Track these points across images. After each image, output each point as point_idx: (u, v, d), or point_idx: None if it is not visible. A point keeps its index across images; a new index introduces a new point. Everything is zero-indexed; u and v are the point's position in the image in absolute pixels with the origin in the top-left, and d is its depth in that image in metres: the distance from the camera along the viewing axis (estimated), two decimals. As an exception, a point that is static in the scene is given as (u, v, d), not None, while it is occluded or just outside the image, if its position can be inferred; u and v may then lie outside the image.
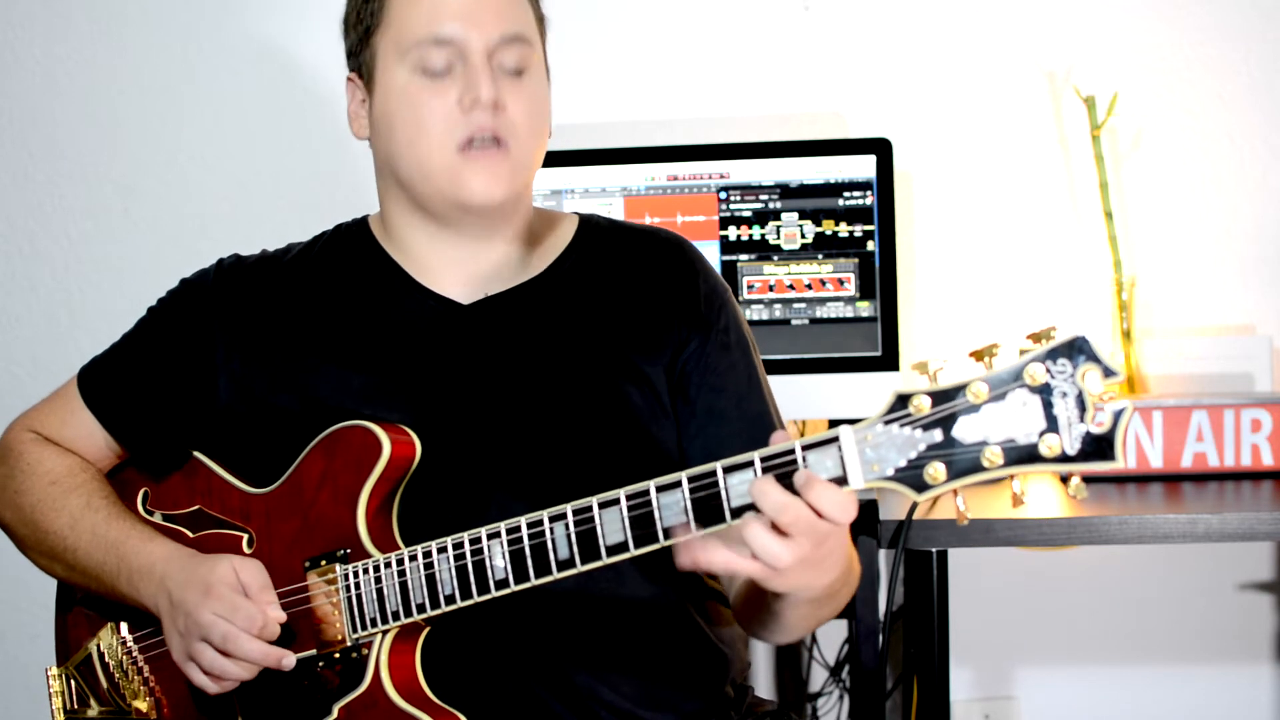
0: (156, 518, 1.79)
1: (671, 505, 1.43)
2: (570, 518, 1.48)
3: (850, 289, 2.57)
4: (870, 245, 2.57)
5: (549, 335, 1.73)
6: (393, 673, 1.63)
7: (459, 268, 1.74)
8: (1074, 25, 2.76)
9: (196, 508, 1.76)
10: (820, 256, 2.58)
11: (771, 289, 2.58)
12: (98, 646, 1.81)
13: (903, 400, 1.31)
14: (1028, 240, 2.77)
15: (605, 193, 2.61)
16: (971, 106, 2.79)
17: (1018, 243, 2.78)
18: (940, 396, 1.30)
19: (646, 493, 1.44)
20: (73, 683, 1.84)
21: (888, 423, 1.32)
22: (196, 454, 1.79)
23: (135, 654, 1.78)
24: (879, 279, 2.56)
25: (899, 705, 2.75)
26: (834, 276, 2.57)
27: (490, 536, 1.54)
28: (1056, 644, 2.86)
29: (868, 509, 2.23)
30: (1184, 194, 2.76)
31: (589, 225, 1.83)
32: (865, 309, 2.57)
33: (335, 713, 1.64)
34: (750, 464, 1.38)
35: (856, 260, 2.57)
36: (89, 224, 2.95)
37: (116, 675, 1.79)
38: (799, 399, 2.51)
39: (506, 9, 1.67)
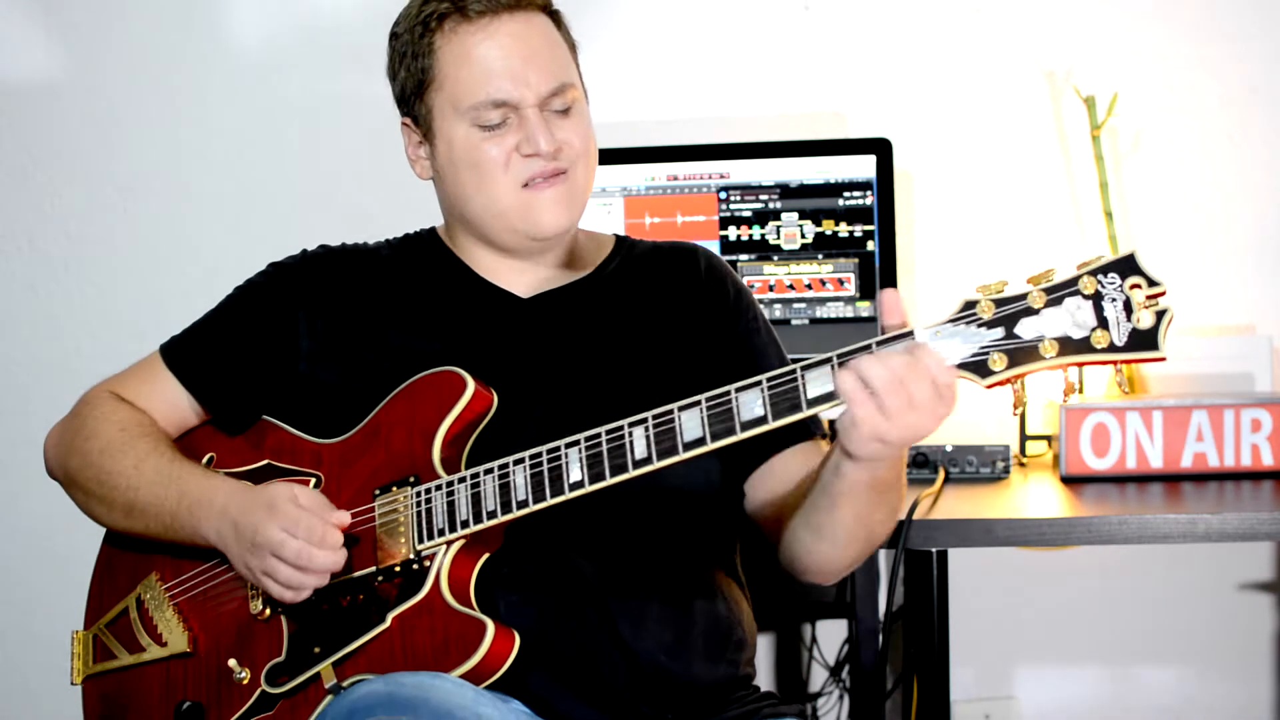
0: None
1: (750, 403, 1.55)
2: (650, 421, 1.59)
3: (850, 289, 2.57)
4: (870, 245, 2.57)
5: (599, 323, 1.87)
6: (451, 582, 1.68)
7: (519, 273, 1.88)
8: (1074, 25, 2.76)
9: (265, 462, 1.86)
10: (820, 256, 2.58)
11: (771, 289, 2.58)
12: (137, 598, 1.87)
13: (970, 305, 1.49)
14: (1027, 240, 2.77)
15: (605, 193, 2.61)
16: (971, 106, 2.79)
17: (1017, 243, 2.77)
18: (1003, 302, 1.48)
19: (727, 394, 1.56)
20: (99, 641, 1.90)
21: (955, 322, 1.49)
22: (266, 417, 1.89)
23: (176, 597, 1.85)
24: (879, 279, 2.56)
25: (899, 705, 2.74)
26: (834, 276, 2.57)
27: (569, 445, 1.63)
28: (1056, 644, 2.86)
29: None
30: (1184, 194, 2.76)
31: (625, 240, 1.98)
32: (865, 309, 2.57)
33: (389, 621, 1.69)
34: (828, 360, 1.52)
35: (856, 260, 2.57)
36: (89, 224, 2.95)
37: (155, 619, 1.85)
38: (799, 399, 2.51)
39: (549, 62, 1.79)
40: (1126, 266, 1.45)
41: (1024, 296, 1.47)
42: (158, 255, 2.93)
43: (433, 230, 1.96)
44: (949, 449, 2.47)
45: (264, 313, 1.89)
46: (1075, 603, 2.84)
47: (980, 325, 1.48)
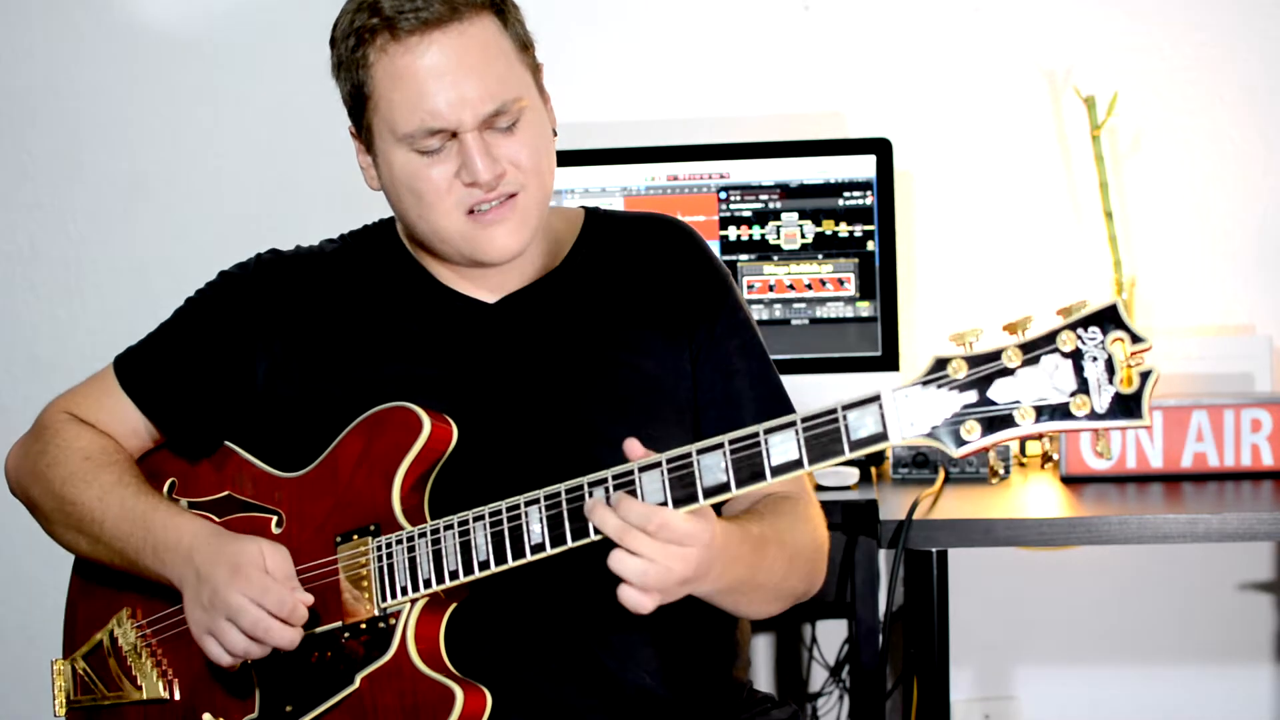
0: (182, 504, 1.80)
1: (712, 466, 1.48)
2: (610, 482, 1.52)
3: (850, 289, 2.57)
4: (870, 245, 2.57)
5: (571, 324, 1.78)
6: (418, 643, 1.64)
7: (483, 276, 1.79)
8: (1074, 25, 2.76)
9: (226, 493, 1.79)
10: (820, 256, 2.58)
11: (771, 289, 2.58)
12: (110, 633, 1.83)
13: (941, 364, 1.39)
14: (1028, 240, 2.77)
15: (605, 193, 2.61)
16: (971, 106, 2.79)
17: (1018, 243, 2.78)
18: (977, 360, 1.38)
19: (688, 455, 1.49)
20: (78, 673, 1.86)
21: (926, 384, 1.40)
22: (227, 443, 1.82)
23: (149, 637, 1.80)
24: (879, 279, 2.56)
25: (899, 705, 2.75)
26: (834, 276, 2.57)
27: (528, 503, 1.57)
28: (1056, 644, 2.86)
29: (868, 509, 2.23)
30: (1184, 194, 2.76)
31: (595, 216, 1.87)
32: (865, 309, 2.57)
33: (358, 682, 1.65)
34: (792, 424, 1.45)
35: (856, 260, 2.57)
36: (89, 224, 2.95)
37: (129, 659, 1.80)
38: (799, 399, 2.49)
39: (488, 79, 1.65)
40: (1109, 319, 1.34)
41: (999, 355, 1.37)
42: (158, 255, 2.93)
43: (390, 225, 1.86)
44: (949, 449, 2.47)
45: (218, 329, 1.81)
46: (1075, 603, 2.84)
47: (952, 388, 1.38)
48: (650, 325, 1.79)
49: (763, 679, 2.92)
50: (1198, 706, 2.84)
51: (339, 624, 1.68)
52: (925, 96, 2.79)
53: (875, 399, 1.41)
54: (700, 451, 1.48)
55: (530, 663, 1.70)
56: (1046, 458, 2.45)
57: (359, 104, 1.71)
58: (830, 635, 2.86)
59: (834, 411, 1.43)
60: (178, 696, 1.78)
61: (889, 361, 2.54)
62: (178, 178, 2.93)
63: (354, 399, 1.72)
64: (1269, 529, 2.15)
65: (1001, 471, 1.48)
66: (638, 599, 1.49)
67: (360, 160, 1.78)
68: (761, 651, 2.92)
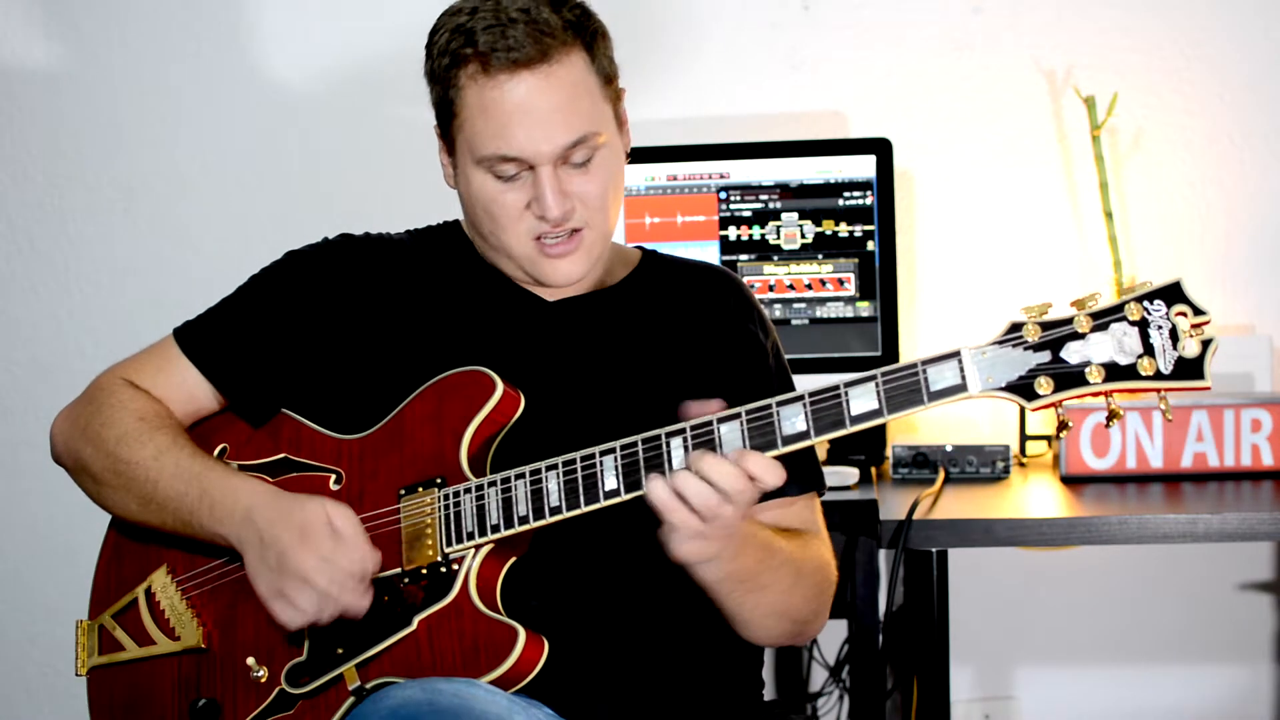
0: (233, 466, 1.82)
1: (792, 416, 1.55)
2: (689, 432, 1.58)
3: (850, 289, 2.57)
4: (870, 245, 2.57)
5: (622, 336, 1.84)
6: (479, 586, 1.66)
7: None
8: (1074, 25, 2.76)
9: (282, 455, 1.81)
10: (820, 256, 2.58)
11: (771, 289, 2.58)
12: (148, 589, 1.84)
13: (1016, 326, 1.50)
14: (1027, 240, 2.77)
15: (605, 193, 2.61)
16: (971, 106, 2.78)
17: (1017, 243, 2.78)
18: (1049, 325, 1.50)
19: (768, 407, 1.56)
20: (104, 632, 1.86)
21: (1002, 344, 1.50)
22: (284, 410, 1.85)
23: (188, 590, 1.82)
24: (879, 279, 2.56)
25: (899, 705, 2.75)
26: (834, 276, 2.57)
27: (604, 453, 1.61)
28: (1056, 644, 2.86)
29: (868, 509, 2.23)
30: (1184, 194, 2.76)
31: (651, 255, 1.94)
32: (865, 309, 2.57)
33: (415, 625, 1.67)
34: (872, 378, 1.53)
35: (856, 260, 2.57)
36: (89, 224, 2.95)
37: (168, 613, 1.82)
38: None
39: (570, 116, 1.72)
40: (1172, 294, 1.47)
41: (1070, 320, 1.49)
42: (158, 255, 2.93)
43: (456, 224, 1.92)
44: (949, 449, 2.47)
45: (283, 300, 1.84)
46: (1075, 603, 2.84)
47: (1026, 348, 1.49)
48: (690, 366, 1.83)
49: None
50: (1197, 706, 2.84)
51: (398, 570, 1.70)
52: (925, 96, 2.79)
53: (955, 355, 1.50)
54: (780, 404, 1.55)
55: (572, 628, 1.72)
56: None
57: (446, 114, 1.77)
58: (830, 635, 2.86)
59: (914, 366, 1.52)
60: (216, 645, 1.79)
61: (889, 361, 2.52)
62: (177, 178, 2.93)
63: (415, 370, 1.77)
64: (1269, 529, 2.15)
65: (1070, 424, 1.56)
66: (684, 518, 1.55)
67: (441, 158, 1.83)
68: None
